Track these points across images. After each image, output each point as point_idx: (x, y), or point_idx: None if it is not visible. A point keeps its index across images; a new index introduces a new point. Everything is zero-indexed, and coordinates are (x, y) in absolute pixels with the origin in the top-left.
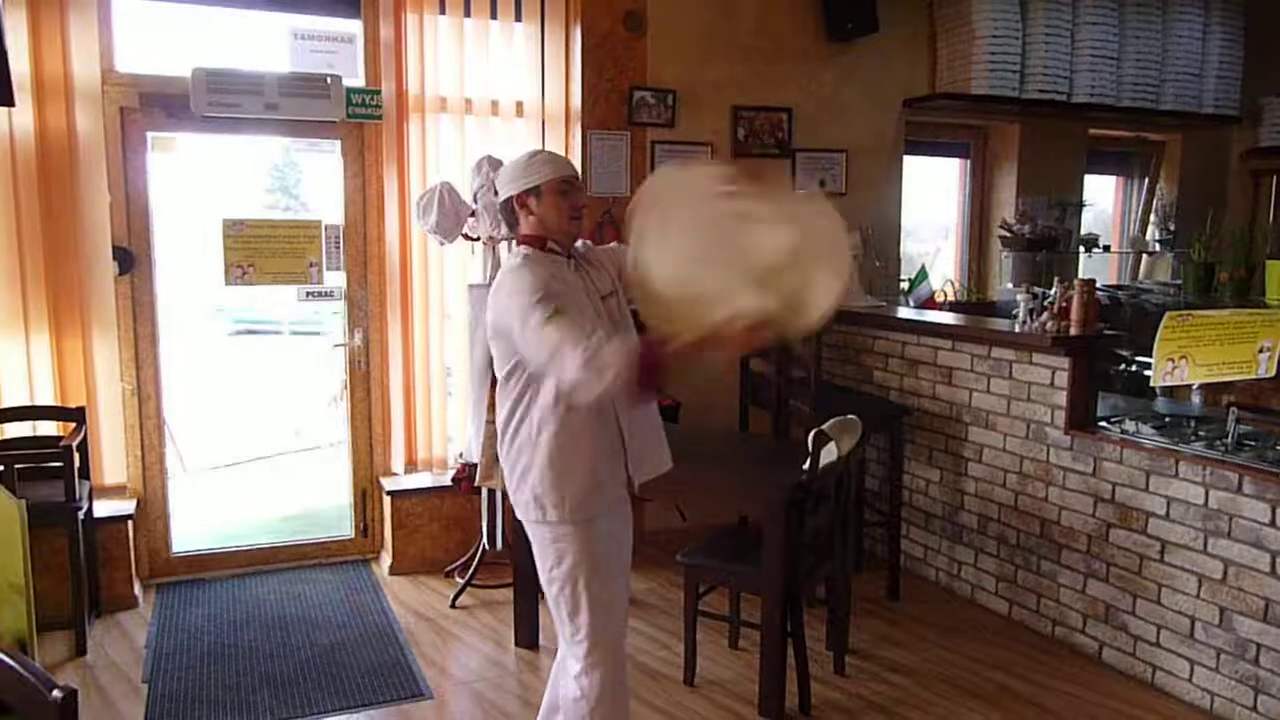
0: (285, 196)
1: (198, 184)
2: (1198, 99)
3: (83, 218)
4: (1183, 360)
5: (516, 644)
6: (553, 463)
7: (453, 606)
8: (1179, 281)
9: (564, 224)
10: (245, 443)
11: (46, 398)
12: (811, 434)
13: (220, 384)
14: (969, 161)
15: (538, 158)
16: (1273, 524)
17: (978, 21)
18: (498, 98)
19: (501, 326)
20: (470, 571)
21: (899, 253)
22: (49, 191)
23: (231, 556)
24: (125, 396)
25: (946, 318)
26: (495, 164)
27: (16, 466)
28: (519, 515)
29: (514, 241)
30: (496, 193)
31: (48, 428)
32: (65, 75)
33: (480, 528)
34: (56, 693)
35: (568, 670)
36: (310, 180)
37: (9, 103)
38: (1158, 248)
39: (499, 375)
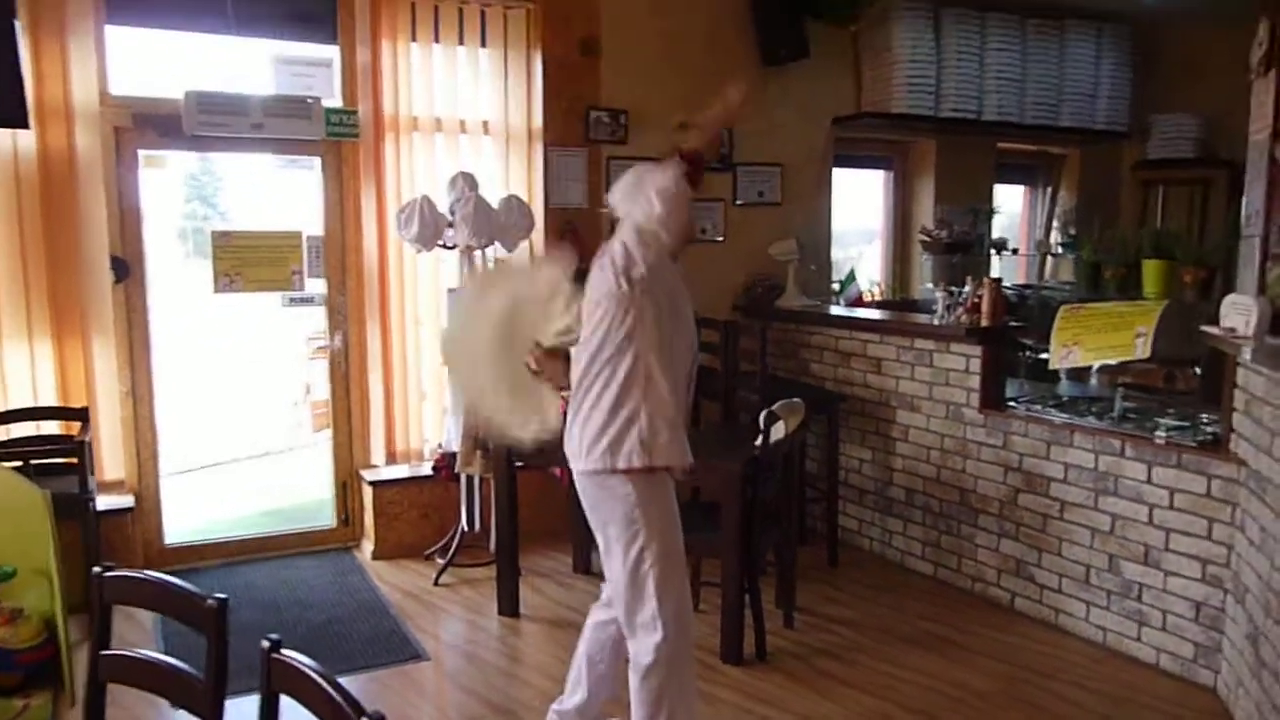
0: (204, 206)
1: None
2: (1091, 117)
3: (82, 230)
4: (1075, 346)
5: (500, 614)
6: (661, 410)
7: (436, 584)
8: None
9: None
10: (212, 446)
11: (49, 399)
12: (763, 413)
13: (190, 388)
14: (892, 173)
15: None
16: (1149, 481)
17: (896, 48)
18: (465, 117)
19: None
20: (451, 552)
21: (830, 257)
22: (51, 206)
23: (221, 546)
24: (121, 397)
25: (874, 314)
26: (469, 179)
27: (31, 462)
28: (605, 466)
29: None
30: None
31: (49, 427)
32: (65, 99)
33: (459, 512)
34: (211, 601)
35: (637, 636)
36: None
37: (24, 125)
38: (1060, 250)
39: (595, 343)
